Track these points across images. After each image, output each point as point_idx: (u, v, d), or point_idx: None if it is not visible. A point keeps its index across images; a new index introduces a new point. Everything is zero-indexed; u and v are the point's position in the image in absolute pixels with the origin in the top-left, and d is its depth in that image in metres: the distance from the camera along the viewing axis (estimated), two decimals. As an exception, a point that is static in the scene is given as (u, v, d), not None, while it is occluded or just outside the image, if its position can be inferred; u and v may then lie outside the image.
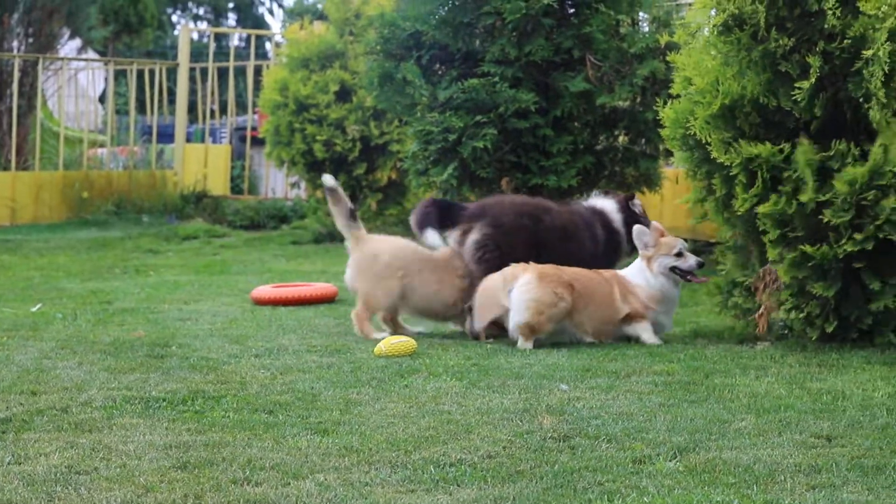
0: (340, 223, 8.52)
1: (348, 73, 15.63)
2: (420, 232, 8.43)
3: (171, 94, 20.43)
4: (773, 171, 7.47)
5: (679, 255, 7.97)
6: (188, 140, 19.99)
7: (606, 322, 7.94)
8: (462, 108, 10.51)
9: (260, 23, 54.47)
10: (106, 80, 20.90)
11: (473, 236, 8.36)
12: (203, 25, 52.65)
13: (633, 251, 8.38)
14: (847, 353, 7.36)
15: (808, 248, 7.35)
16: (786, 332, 7.92)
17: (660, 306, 7.96)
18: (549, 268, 7.88)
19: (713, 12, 7.77)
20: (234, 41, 32.25)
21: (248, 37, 22.97)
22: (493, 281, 7.94)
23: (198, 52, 23.36)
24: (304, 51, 15.80)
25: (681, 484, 4.70)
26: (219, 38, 34.27)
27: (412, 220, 8.56)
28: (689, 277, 8.01)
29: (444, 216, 8.49)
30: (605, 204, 8.92)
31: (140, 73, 20.10)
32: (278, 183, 19.15)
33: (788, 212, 7.42)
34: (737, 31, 7.59)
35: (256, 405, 6.03)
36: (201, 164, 19.06)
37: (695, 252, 8.44)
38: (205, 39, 40.98)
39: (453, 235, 8.46)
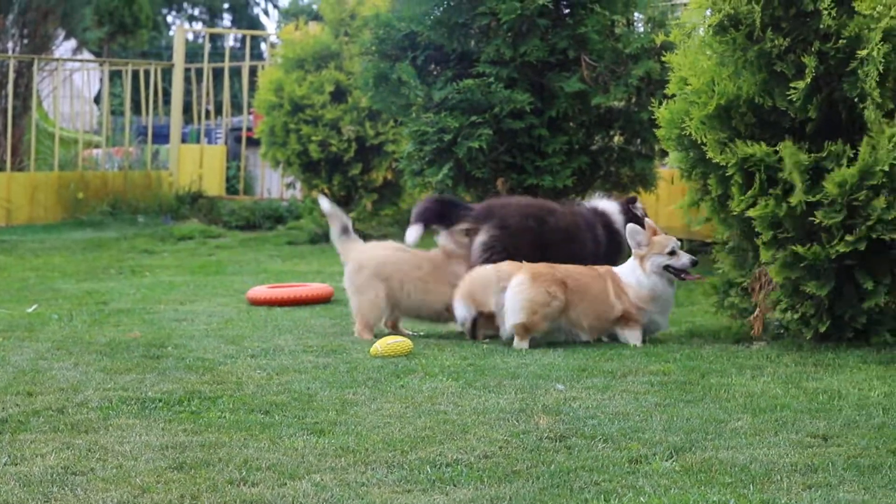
0: (332, 237, 8.54)
1: (343, 73, 15.63)
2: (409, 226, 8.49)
3: (167, 94, 20.43)
4: (769, 171, 7.47)
5: (672, 253, 7.96)
6: (183, 141, 19.96)
7: (601, 318, 7.94)
8: (457, 108, 10.51)
9: (255, 23, 54.42)
10: (101, 80, 20.84)
11: (481, 238, 8.42)
12: (198, 26, 52.60)
13: None
14: (843, 352, 7.37)
15: (799, 249, 7.35)
16: (781, 331, 7.92)
17: (651, 306, 7.95)
18: (541, 266, 7.90)
19: (708, 12, 7.77)
20: (230, 42, 32.28)
21: (244, 37, 22.92)
22: (485, 273, 7.94)
23: (193, 53, 23.31)
24: (300, 51, 15.80)
25: (677, 484, 4.70)
26: (214, 38, 34.24)
27: (412, 213, 8.62)
28: (682, 276, 8.00)
29: (443, 214, 8.51)
30: (608, 205, 9.02)
31: (135, 74, 20.08)
32: (274, 183, 19.15)
33: (779, 214, 7.42)
34: (732, 31, 7.60)
35: (253, 405, 6.03)
36: (197, 165, 19.04)
37: (690, 252, 8.45)
38: (200, 40, 40.94)
39: (450, 234, 8.47)
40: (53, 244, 15.01)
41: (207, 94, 20.20)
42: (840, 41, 7.31)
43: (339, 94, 15.67)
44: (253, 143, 18.59)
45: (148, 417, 5.81)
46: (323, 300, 10.05)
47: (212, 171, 19.09)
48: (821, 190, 7.29)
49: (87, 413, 5.86)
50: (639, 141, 11.09)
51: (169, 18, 53.49)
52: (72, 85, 21.40)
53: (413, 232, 8.42)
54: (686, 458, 5.04)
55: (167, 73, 20.15)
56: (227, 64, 19.60)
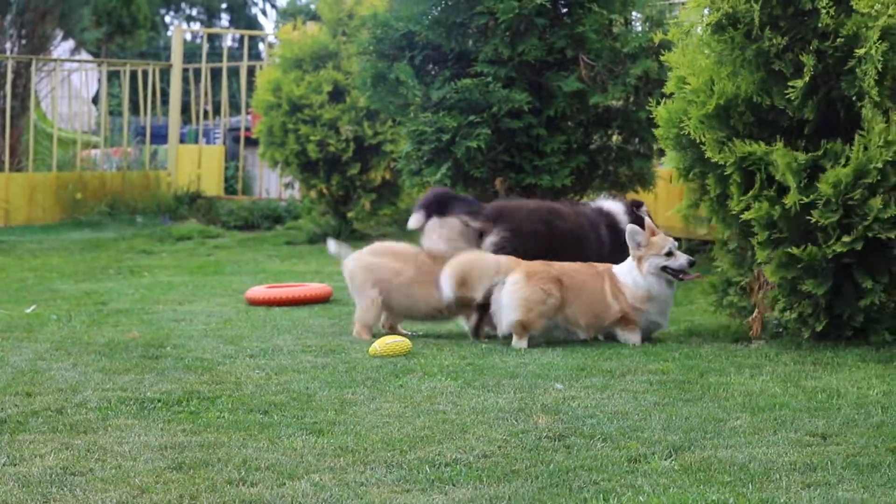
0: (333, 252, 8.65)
1: (341, 73, 15.62)
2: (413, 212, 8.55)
3: (165, 94, 20.41)
4: (769, 170, 7.46)
5: (669, 254, 7.94)
6: (182, 141, 19.96)
7: (598, 316, 7.93)
8: (455, 108, 10.51)
9: (253, 23, 54.40)
10: (99, 81, 20.83)
11: (491, 238, 8.44)
12: (196, 26, 52.58)
13: None
14: (842, 351, 7.37)
15: (794, 250, 7.35)
16: (780, 330, 7.92)
17: (648, 306, 7.93)
18: (537, 264, 7.91)
19: (706, 11, 7.77)
20: (228, 42, 32.28)
21: (242, 37, 22.95)
22: (486, 262, 7.95)
23: (191, 53, 23.32)
24: (298, 51, 15.79)
25: (676, 483, 4.70)
26: (212, 38, 34.23)
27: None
28: (680, 276, 7.99)
29: (444, 205, 8.54)
30: (613, 206, 9.10)
31: (133, 74, 20.07)
32: (272, 183, 19.14)
33: (774, 216, 7.42)
34: (730, 29, 7.60)
35: (251, 406, 6.03)
36: (195, 165, 19.04)
37: (689, 251, 8.45)
38: (198, 40, 40.93)
39: (441, 230, 8.47)
40: (52, 245, 15.01)
41: (205, 94, 20.19)
42: (838, 40, 7.31)
43: (337, 94, 15.67)
44: (251, 143, 18.59)
45: (147, 418, 5.81)
46: (321, 300, 10.04)
47: (210, 172, 19.08)
48: (815, 190, 7.29)
49: (85, 413, 5.86)
50: (637, 140, 11.08)
51: (167, 19, 53.47)
52: (70, 85, 21.38)
53: (415, 219, 8.46)
54: (685, 457, 5.04)
55: (165, 74, 20.14)
56: (225, 64, 19.59)
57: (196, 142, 20.22)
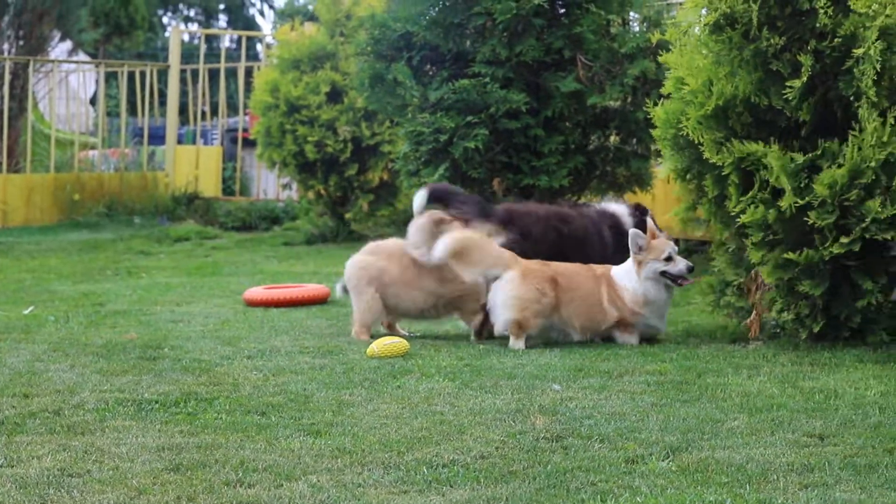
0: None
1: (339, 74, 15.62)
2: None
3: (162, 95, 20.41)
4: (767, 170, 7.45)
5: (669, 258, 7.91)
6: (179, 142, 19.97)
7: (594, 319, 7.92)
8: (453, 108, 10.51)
9: (250, 24, 54.42)
10: (97, 82, 20.86)
11: (501, 240, 8.44)
12: (194, 27, 52.59)
13: None
14: (839, 351, 7.37)
15: (790, 255, 7.35)
16: (778, 331, 7.92)
17: (646, 310, 7.92)
18: (534, 263, 7.91)
19: (704, 11, 7.77)
20: (225, 43, 32.23)
21: (239, 38, 22.96)
22: (491, 247, 7.96)
23: (188, 54, 23.35)
24: (295, 52, 15.79)
25: (673, 483, 4.70)
26: (209, 39, 34.22)
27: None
28: (679, 282, 7.95)
29: (445, 199, 8.55)
30: (618, 208, 9.13)
31: (131, 75, 20.07)
32: (270, 184, 19.14)
33: (769, 220, 7.41)
34: (728, 29, 7.59)
35: (249, 407, 6.03)
36: (192, 166, 19.03)
37: (686, 251, 8.44)
38: (195, 41, 40.93)
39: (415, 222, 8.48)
40: (49, 246, 15.00)
41: (203, 95, 20.18)
42: (836, 40, 7.31)
43: (334, 95, 15.67)
44: (249, 143, 18.59)
45: (144, 419, 5.81)
46: (319, 301, 10.03)
47: (208, 172, 19.08)
48: (811, 192, 7.28)
49: (83, 415, 5.86)
50: (635, 141, 11.09)
51: (165, 19, 53.50)
52: (68, 86, 21.39)
53: (419, 197, 8.47)
54: (682, 457, 5.04)
55: (163, 75, 20.13)
56: (222, 65, 19.59)
57: (194, 143, 20.22)
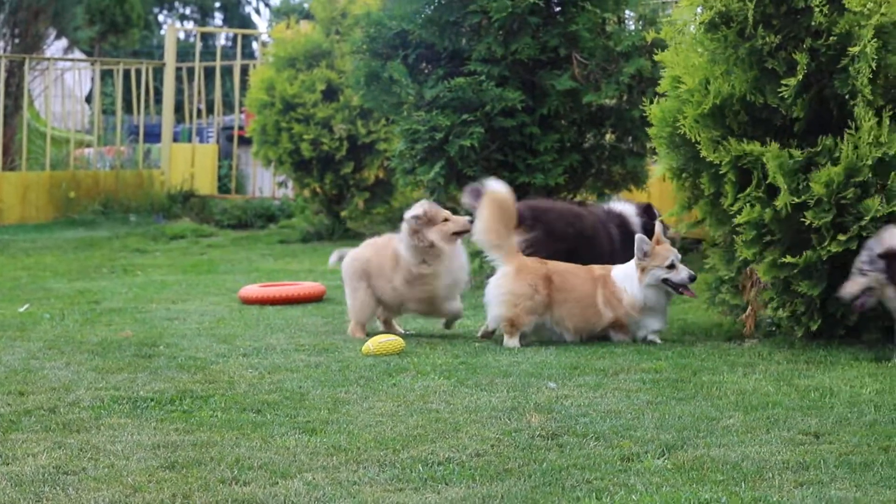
0: None
1: (335, 72, 15.62)
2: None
3: (158, 93, 20.38)
4: (764, 169, 7.45)
5: (671, 266, 7.87)
6: (175, 140, 19.95)
7: (588, 321, 7.89)
8: (448, 106, 10.51)
9: (246, 22, 54.36)
10: (92, 80, 20.82)
11: (523, 237, 8.45)
12: (189, 25, 52.54)
13: None
14: (835, 349, 7.38)
15: (788, 259, 7.35)
16: (773, 329, 7.92)
17: (642, 314, 7.90)
18: (530, 260, 7.91)
19: (699, 9, 7.77)
20: (221, 41, 32.22)
21: (235, 36, 22.92)
22: (514, 235, 8.01)
23: (184, 52, 23.33)
24: (291, 50, 15.78)
25: (669, 481, 4.70)
26: (205, 37, 34.22)
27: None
28: (680, 290, 7.89)
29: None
30: (625, 207, 9.32)
31: (126, 73, 20.06)
32: (265, 182, 19.13)
33: (765, 219, 7.41)
34: (724, 28, 7.60)
35: (244, 404, 6.03)
36: (188, 164, 19.03)
37: (683, 250, 8.43)
38: (191, 39, 40.91)
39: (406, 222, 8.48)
40: (45, 243, 14.99)
41: (199, 92, 20.18)
42: (831, 38, 7.31)
43: (330, 93, 15.67)
44: (245, 141, 18.57)
45: (140, 417, 5.80)
46: (315, 299, 10.04)
47: (203, 170, 19.08)
48: (808, 190, 7.28)
49: (78, 412, 5.86)
50: (630, 139, 11.09)
51: (160, 17, 53.44)
52: (63, 84, 21.39)
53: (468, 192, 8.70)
54: (678, 455, 5.04)
55: (158, 72, 20.12)
56: (218, 63, 19.58)
57: (189, 140, 20.21)
